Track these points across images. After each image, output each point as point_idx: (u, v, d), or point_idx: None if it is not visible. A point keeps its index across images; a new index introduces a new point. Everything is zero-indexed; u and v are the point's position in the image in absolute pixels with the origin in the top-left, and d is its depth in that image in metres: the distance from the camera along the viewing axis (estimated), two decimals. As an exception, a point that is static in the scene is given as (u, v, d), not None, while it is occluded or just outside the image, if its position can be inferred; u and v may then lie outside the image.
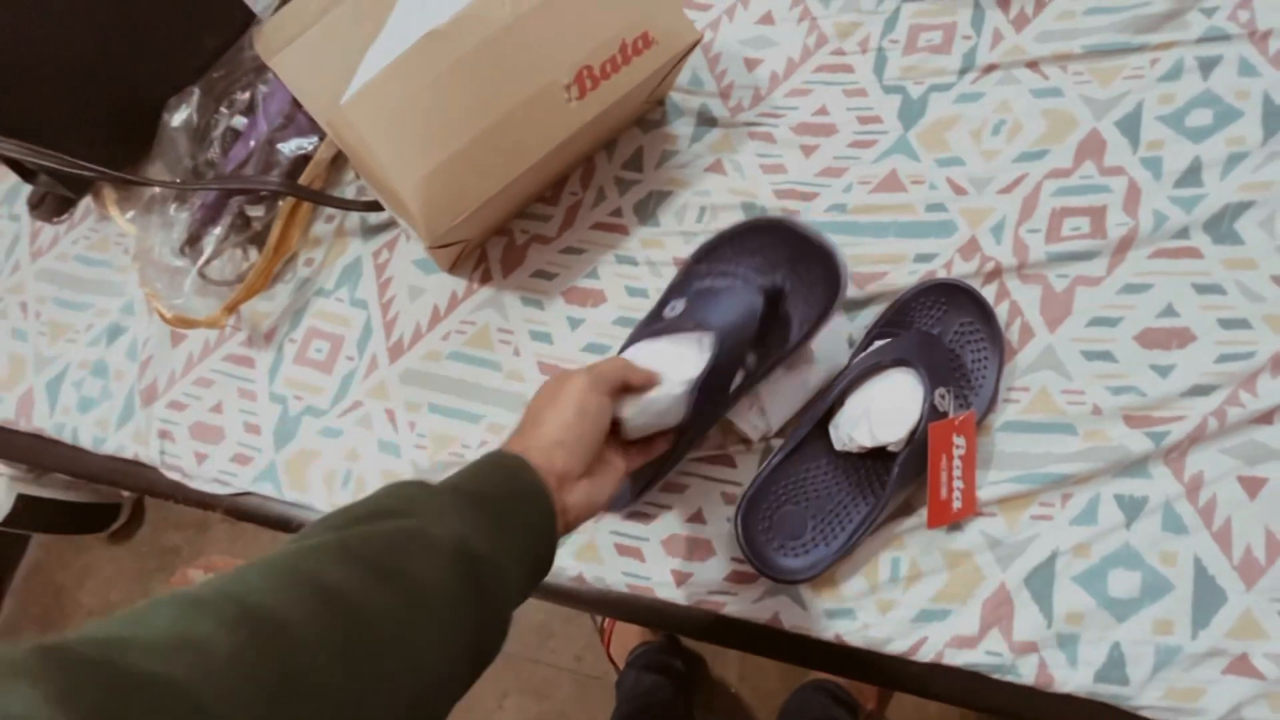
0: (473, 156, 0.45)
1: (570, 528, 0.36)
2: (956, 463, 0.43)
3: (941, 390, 0.43)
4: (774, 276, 0.45)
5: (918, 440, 0.42)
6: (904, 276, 0.50)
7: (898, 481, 0.43)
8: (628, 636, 0.96)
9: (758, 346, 0.44)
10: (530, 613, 1.04)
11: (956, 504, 0.43)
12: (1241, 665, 0.41)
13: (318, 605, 0.25)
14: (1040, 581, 0.44)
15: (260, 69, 0.58)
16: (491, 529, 0.31)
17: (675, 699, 0.86)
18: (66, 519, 1.13)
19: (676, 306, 0.45)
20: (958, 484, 0.43)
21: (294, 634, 0.23)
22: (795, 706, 0.85)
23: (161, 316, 0.54)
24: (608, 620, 0.98)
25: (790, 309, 0.45)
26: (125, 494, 1.21)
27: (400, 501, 0.31)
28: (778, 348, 0.44)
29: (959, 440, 0.43)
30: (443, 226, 0.45)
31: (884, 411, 0.43)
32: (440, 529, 0.29)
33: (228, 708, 0.20)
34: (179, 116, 0.59)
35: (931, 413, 0.42)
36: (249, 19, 0.63)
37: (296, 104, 0.56)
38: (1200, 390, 0.45)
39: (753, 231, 0.46)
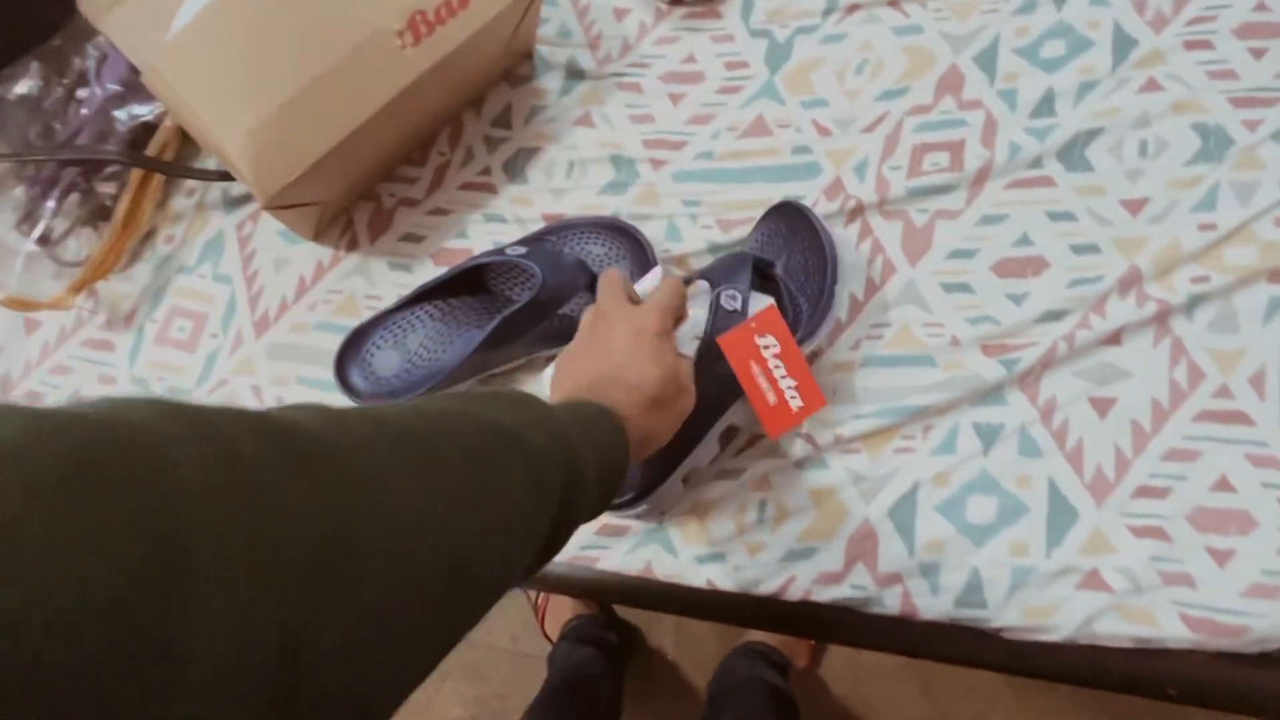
0: (302, 108, 0.43)
1: (639, 458, 0.36)
2: (775, 363, 0.39)
3: (730, 291, 0.41)
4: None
5: (711, 353, 0.40)
6: (770, 220, 0.50)
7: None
8: (562, 610, 0.96)
9: None
10: (464, 596, 1.03)
11: (795, 404, 0.40)
12: (1092, 580, 0.41)
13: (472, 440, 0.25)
14: (903, 513, 0.44)
15: (95, 34, 0.55)
16: (585, 448, 0.31)
17: (606, 671, 0.86)
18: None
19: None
20: (787, 383, 0.39)
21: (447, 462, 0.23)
22: (726, 670, 0.86)
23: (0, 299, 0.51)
24: (541, 596, 0.97)
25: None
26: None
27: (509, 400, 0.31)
28: None
29: (767, 340, 0.39)
30: (276, 185, 0.43)
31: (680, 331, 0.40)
32: (548, 432, 0.29)
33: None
34: (18, 88, 0.56)
35: (721, 315, 0.40)
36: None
37: (135, 70, 0.53)
38: (1052, 316, 0.45)
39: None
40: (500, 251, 0.47)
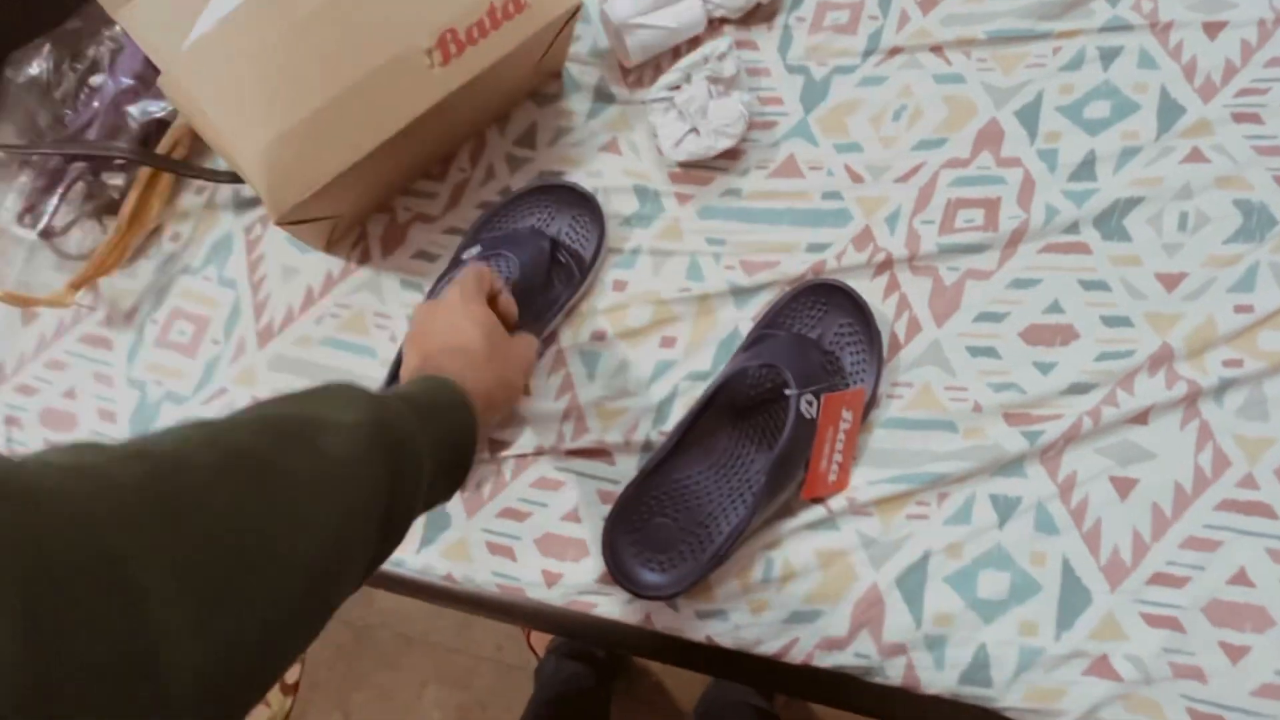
0: (323, 124, 0.41)
1: (498, 409, 0.38)
2: (840, 436, 0.42)
3: (809, 396, 0.41)
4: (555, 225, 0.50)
5: (784, 444, 0.41)
6: (796, 265, 0.49)
7: (768, 486, 0.41)
8: None
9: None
10: (451, 602, 1.02)
11: (831, 477, 0.43)
12: (1101, 666, 0.40)
13: (220, 454, 0.23)
14: (912, 582, 0.43)
15: (113, 22, 0.53)
16: (406, 412, 0.31)
17: (595, 687, 0.85)
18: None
19: (473, 251, 0.47)
20: (836, 458, 0.42)
21: (194, 472, 0.21)
22: (715, 694, 0.85)
23: (-4, 293, 0.50)
24: None
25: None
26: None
27: (316, 393, 0.30)
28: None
29: (847, 415, 0.43)
30: (289, 201, 0.42)
31: None
32: (352, 413, 0.29)
33: (121, 526, 0.18)
34: (27, 71, 0.54)
35: (797, 418, 0.41)
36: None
37: (152, 64, 0.51)
38: (1079, 388, 0.44)
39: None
40: (459, 260, 0.48)
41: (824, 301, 0.46)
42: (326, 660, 1.03)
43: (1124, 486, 0.43)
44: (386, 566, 0.48)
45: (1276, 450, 0.42)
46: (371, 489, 0.27)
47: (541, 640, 0.95)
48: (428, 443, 0.31)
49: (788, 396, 0.41)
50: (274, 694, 1.02)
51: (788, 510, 0.45)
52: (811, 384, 0.42)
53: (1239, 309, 0.44)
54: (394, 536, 0.29)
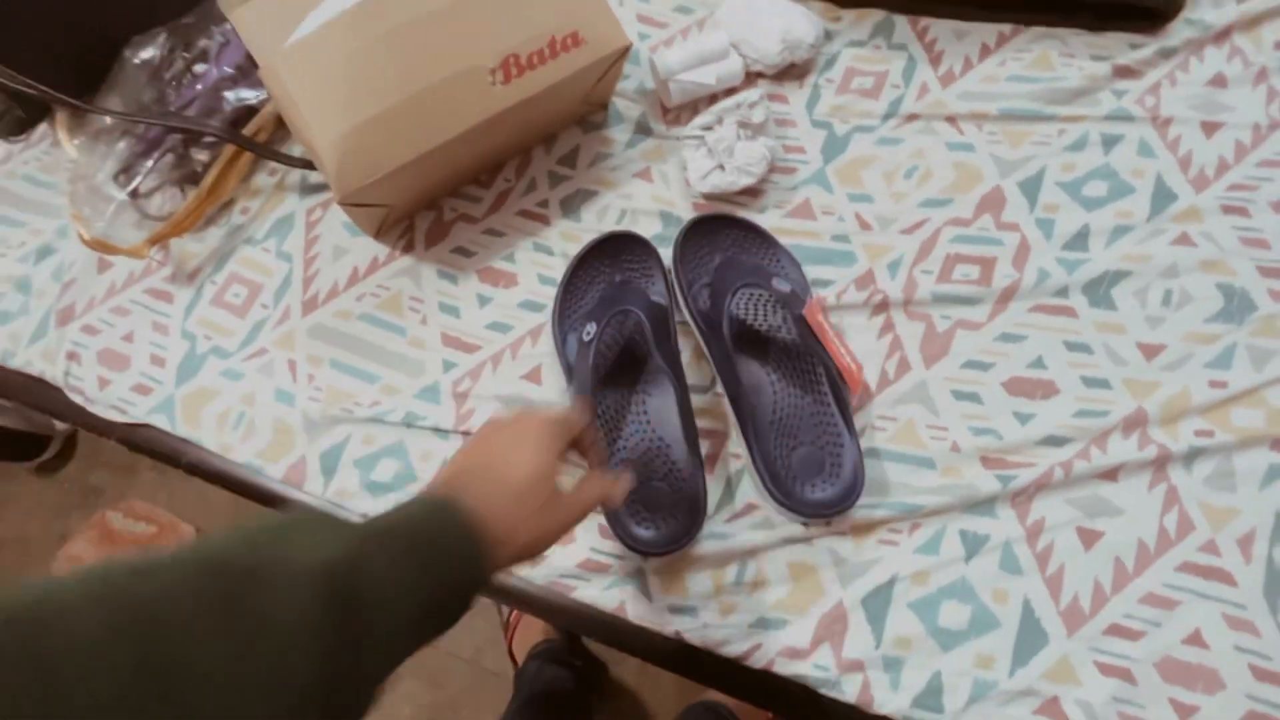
0: (392, 122, 0.47)
1: (518, 555, 0.33)
2: (833, 335, 0.47)
3: (777, 280, 0.48)
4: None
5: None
6: (799, 298, 0.52)
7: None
8: (531, 633, 0.96)
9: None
10: (438, 599, 1.04)
11: (853, 366, 0.46)
12: (1051, 708, 0.42)
13: (124, 621, 0.20)
14: (877, 603, 0.45)
15: (224, 20, 0.60)
16: (380, 557, 0.27)
17: (575, 691, 0.86)
18: (-7, 443, 1.13)
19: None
20: (846, 354, 0.46)
21: (79, 650, 0.18)
22: (693, 714, 0.85)
23: (81, 238, 0.56)
24: (513, 614, 0.98)
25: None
26: (58, 427, 1.20)
27: (275, 526, 0.26)
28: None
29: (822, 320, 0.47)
30: (354, 184, 0.47)
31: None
32: (312, 557, 0.25)
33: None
34: (142, 54, 0.61)
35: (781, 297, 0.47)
36: (229, -26, 0.65)
37: (251, 59, 0.58)
38: (1054, 440, 0.47)
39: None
40: (587, 348, 0.47)
41: (707, 241, 0.53)
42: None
43: (1089, 538, 0.45)
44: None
45: (1241, 522, 0.44)
46: (311, 659, 0.23)
47: (522, 649, 0.96)
48: (405, 588, 0.27)
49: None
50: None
51: (766, 523, 0.47)
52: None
53: (1214, 384, 0.47)
54: (347, 710, 0.25)
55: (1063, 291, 0.51)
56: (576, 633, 0.49)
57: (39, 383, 0.60)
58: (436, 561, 0.29)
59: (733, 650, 0.45)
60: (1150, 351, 0.48)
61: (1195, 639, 0.42)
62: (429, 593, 0.28)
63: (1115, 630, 0.43)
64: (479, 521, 0.31)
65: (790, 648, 0.44)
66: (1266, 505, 0.44)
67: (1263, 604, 0.42)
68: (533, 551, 0.34)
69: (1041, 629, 0.43)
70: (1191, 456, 0.45)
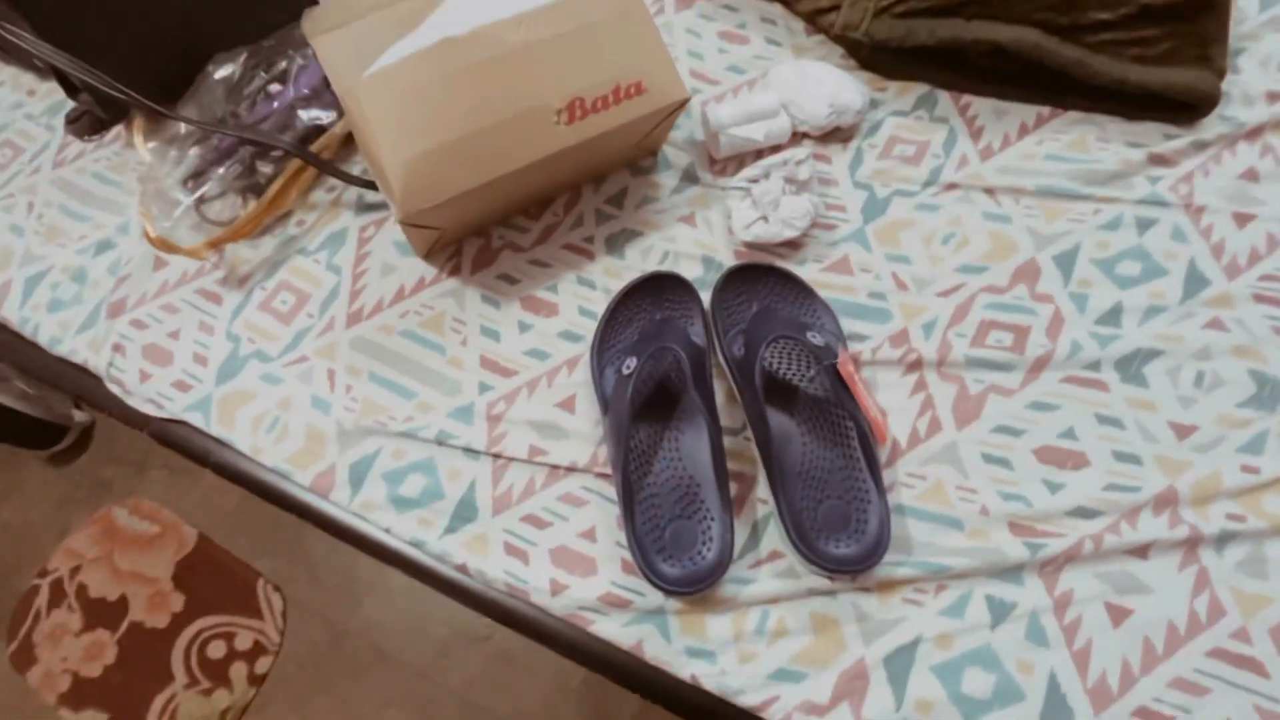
0: (459, 151, 0.49)
1: None
2: (863, 388, 0.47)
3: (811, 333, 0.49)
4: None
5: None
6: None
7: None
8: None
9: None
10: (434, 626, 1.02)
11: (880, 417, 0.48)
12: (1076, 790, 0.40)
13: None
14: (899, 664, 0.44)
15: (303, 45, 0.64)
16: None
17: None
18: (11, 428, 1.14)
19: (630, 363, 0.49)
20: (874, 406, 0.47)
21: None
22: None
23: (147, 235, 0.58)
24: None
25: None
26: (77, 418, 1.21)
27: None
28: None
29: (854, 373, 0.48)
30: (417, 206, 0.49)
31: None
32: None
33: None
34: (223, 70, 0.65)
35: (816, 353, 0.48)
36: (313, 2, 0.69)
37: (326, 83, 0.61)
38: (1084, 512, 0.47)
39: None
40: (626, 382, 0.48)
41: (744, 289, 0.54)
42: (299, 657, 1.03)
43: (1118, 615, 0.44)
44: (405, 548, 0.52)
45: (1274, 610, 0.43)
46: None
47: None
48: None
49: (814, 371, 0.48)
50: (239, 681, 1.02)
51: (790, 572, 0.47)
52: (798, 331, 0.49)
53: (1245, 469, 0.47)
54: None
55: (1095, 365, 0.51)
56: (592, 670, 0.48)
57: (80, 371, 0.61)
58: None
59: (748, 700, 0.44)
60: (1182, 431, 0.49)
61: (1226, 730, 0.41)
62: None
63: (1143, 714, 0.42)
64: None
65: (809, 702, 0.44)
66: (1299, 596, 0.43)
67: (1296, 699, 0.41)
68: None
69: (1067, 705, 0.42)
70: (1224, 540, 0.45)
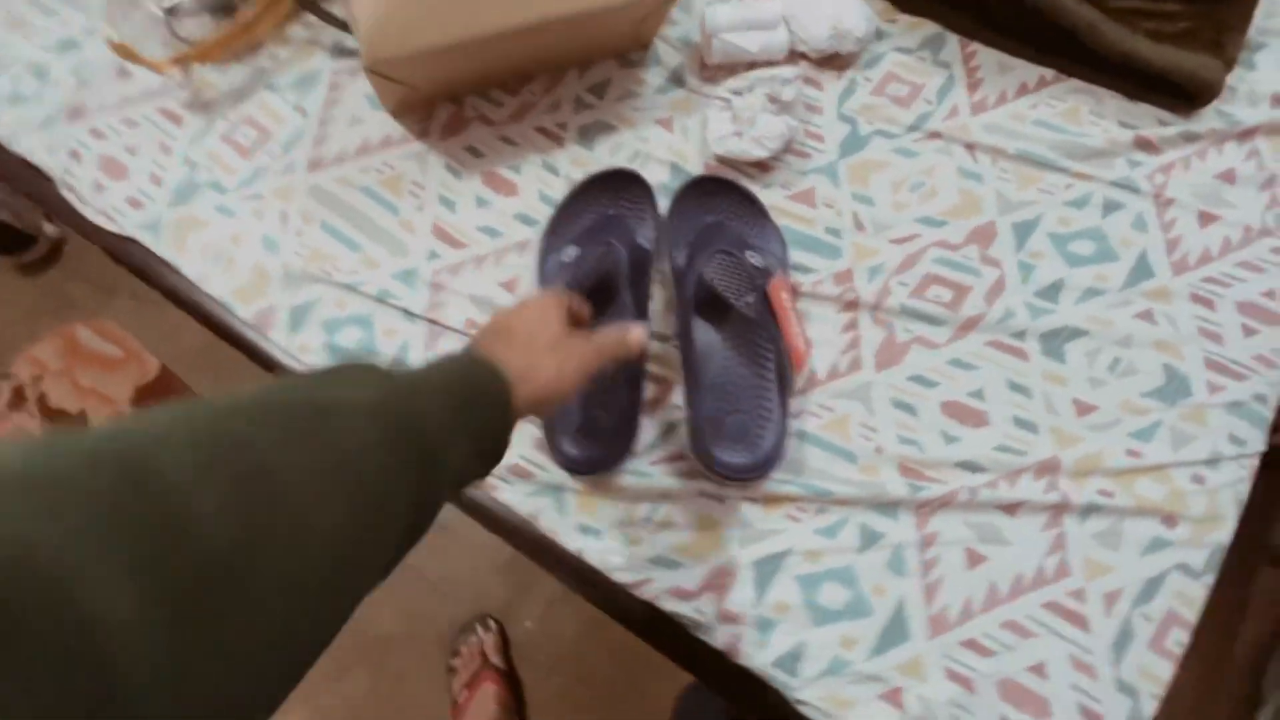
0: (435, 5, 0.47)
1: (533, 407, 0.35)
2: (793, 313, 0.48)
3: (752, 253, 0.50)
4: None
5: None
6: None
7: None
8: (481, 714, 0.94)
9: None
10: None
11: (803, 347, 0.48)
12: (893, 696, 0.45)
13: (208, 451, 0.21)
14: (767, 568, 0.48)
15: None
16: (424, 391, 0.29)
17: None
18: (-20, 230, 1.13)
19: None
20: (798, 334, 0.48)
21: (171, 479, 0.19)
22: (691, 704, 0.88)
23: (109, 41, 0.56)
24: (463, 696, 0.97)
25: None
26: (46, 230, 1.21)
27: (333, 373, 0.28)
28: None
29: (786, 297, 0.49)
30: (382, 53, 0.48)
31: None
32: (367, 395, 0.27)
33: (72, 548, 0.16)
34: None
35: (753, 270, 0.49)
36: None
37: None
38: (971, 466, 0.49)
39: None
40: (564, 270, 0.50)
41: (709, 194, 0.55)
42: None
43: (975, 559, 0.48)
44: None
45: (1113, 579, 0.47)
46: (390, 476, 0.25)
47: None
48: (451, 424, 0.29)
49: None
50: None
51: (687, 472, 0.50)
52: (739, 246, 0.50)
53: (1130, 453, 0.50)
54: (421, 522, 0.28)
55: (1021, 334, 0.53)
56: (491, 530, 0.51)
57: (36, 172, 0.61)
58: (476, 403, 0.32)
59: (625, 578, 0.48)
60: (1083, 409, 0.51)
61: (1038, 670, 0.45)
62: (474, 430, 0.31)
63: (971, 644, 0.46)
64: (495, 359, 0.34)
65: (678, 588, 0.48)
66: (1141, 571, 0.47)
67: (1108, 655, 0.45)
68: (553, 389, 0.36)
69: (906, 627, 0.46)
70: (1088, 511, 0.48)
